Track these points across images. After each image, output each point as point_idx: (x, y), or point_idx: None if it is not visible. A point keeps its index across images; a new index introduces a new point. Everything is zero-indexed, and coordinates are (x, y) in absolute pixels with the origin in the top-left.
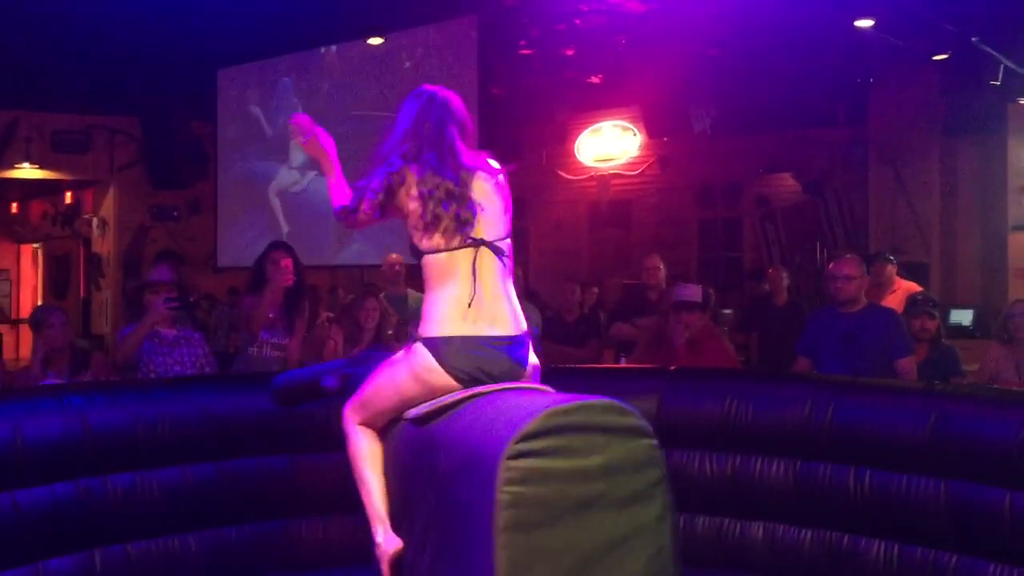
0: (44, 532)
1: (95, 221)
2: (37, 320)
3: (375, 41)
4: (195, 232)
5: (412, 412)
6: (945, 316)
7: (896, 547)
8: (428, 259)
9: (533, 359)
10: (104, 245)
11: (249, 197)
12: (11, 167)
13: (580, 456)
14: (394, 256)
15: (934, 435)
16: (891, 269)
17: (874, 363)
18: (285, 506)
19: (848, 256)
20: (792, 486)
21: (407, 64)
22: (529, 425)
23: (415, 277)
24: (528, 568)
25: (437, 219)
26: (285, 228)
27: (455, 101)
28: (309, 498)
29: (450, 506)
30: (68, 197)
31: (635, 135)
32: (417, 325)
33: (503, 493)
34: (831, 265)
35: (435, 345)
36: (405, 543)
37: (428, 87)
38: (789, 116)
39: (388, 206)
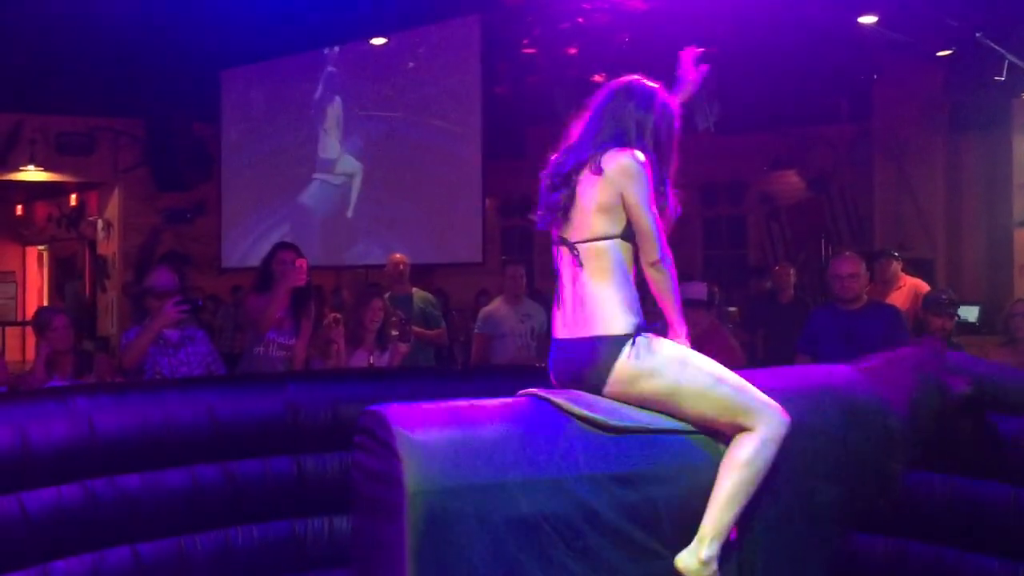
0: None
1: (100, 223)
2: (40, 322)
3: (378, 41)
4: (200, 233)
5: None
6: None
7: (897, 543)
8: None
9: None
10: (109, 247)
11: (253, 199)
12: (16, 169)
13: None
14: (398, 256)
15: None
16: (896, 265)
17: None
18: (291, 507)
19: (847, 254)
20: None
21: (410, 64)
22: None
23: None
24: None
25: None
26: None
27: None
28: (315, 499)
29: None
30: (73, 199)
31: None
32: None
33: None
34: (832, 263)
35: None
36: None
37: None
38: (793, 113)
39: None
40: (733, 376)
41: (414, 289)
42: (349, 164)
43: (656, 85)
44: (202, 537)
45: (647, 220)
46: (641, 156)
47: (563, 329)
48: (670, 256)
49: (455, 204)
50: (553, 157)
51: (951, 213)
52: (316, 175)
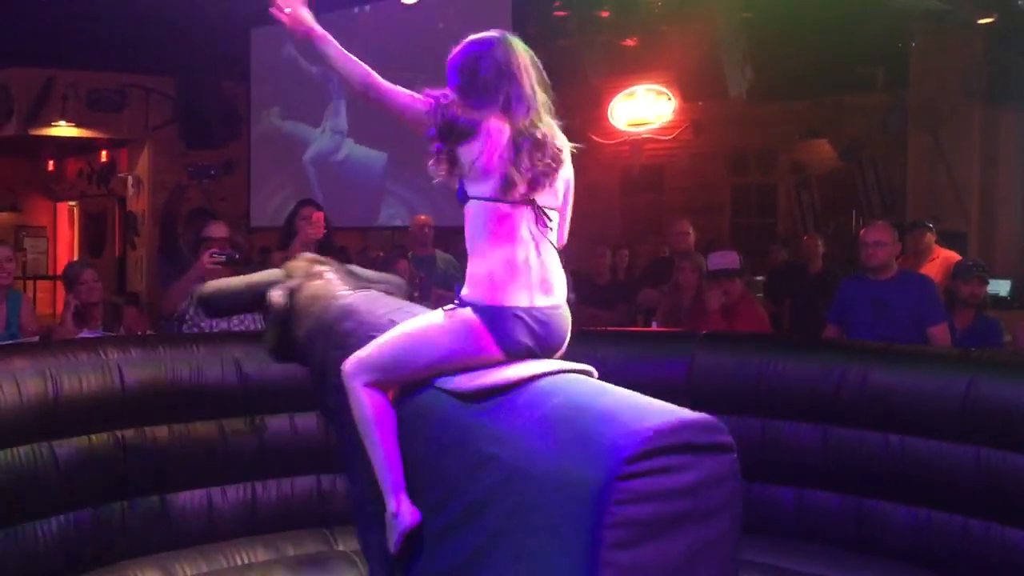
0: (81, 482)
1: (130, 180)
2: (69, 276)
3: (409, 0)
4: (228, 192)
5: (455, 384)
6: None
7: (927, 513)
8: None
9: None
10: (139, 203)
11: (282, 157)
12: (48, 125)
13: (676, 474)
14: (422, 218)
15: (967, 402)
16: (930, 237)
17: (905, 330)
18: (316, 462)
19: (878, 222)
20: (822, 451)
21: (440, 25)
22: (641, 448)
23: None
24: None
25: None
26: (319, 196)
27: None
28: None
29: (527, 503)
30: (104, 156)
31: (669, 99)
32: (460, 287)
33: (612, 513)
34: (861, 231)
35: (491, 315)
36: (428, 516)
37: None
38: (826, 81)
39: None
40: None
41: (437, 251)
42: (377, 126)
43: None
44: (230, 489)
45: None
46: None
47: (557, 293)
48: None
49: None
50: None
51: (986, 185)
52: (344, 136)
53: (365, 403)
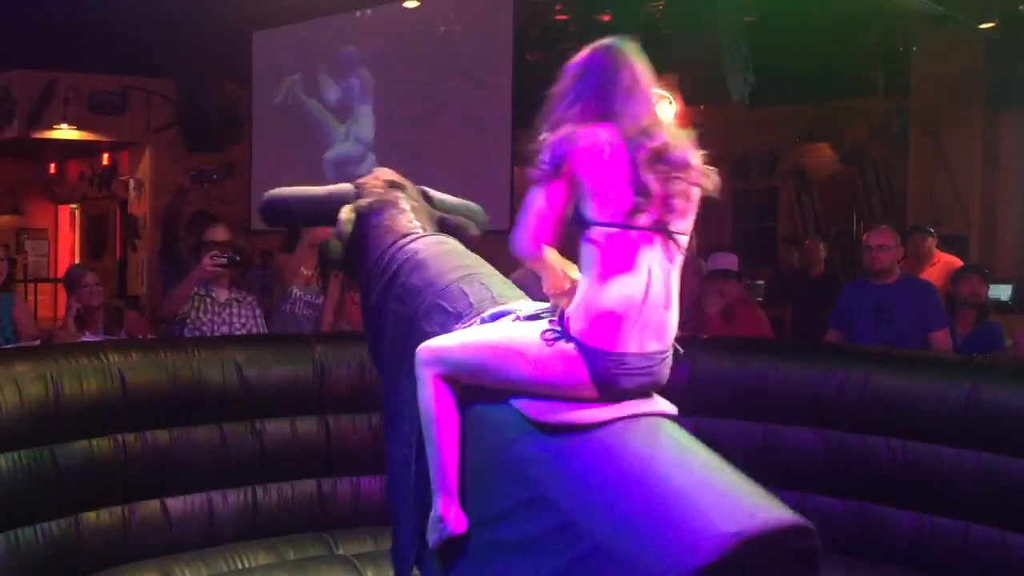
0: (82, 486)
1: (132, 183)
2: (71, 279)
3: (411, 4)
4: (229, 195)
5: (532, 411)
6: None
7: (929, 519)
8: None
9: None
10: (140, 206)
11: (284, 160)
12: (49, 128)
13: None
14: None
15: (969, 407)
16: (931, 242)
17: (907, 335)
18: (317, 466)
19: (881, 226)
20: (823, 456)
21: (442, 29)
22: (716, 557)
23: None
24: None
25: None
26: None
27: None
28: (340, 459)
29: (570, 566)
30: (105, 158)
31: (671, 103)
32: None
33: None
34: (864, 235)
35: (595, 358)
36: (476, 524)
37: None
38: (828, 85)
39: None
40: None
41: None
42: (378, 128)
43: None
44: (231, 493)
45: None
46: (571, 135)
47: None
48: (530, 254)
49: (483, 171)
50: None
51: (987, 189)
52: (346, 139)
53: (434, 397)
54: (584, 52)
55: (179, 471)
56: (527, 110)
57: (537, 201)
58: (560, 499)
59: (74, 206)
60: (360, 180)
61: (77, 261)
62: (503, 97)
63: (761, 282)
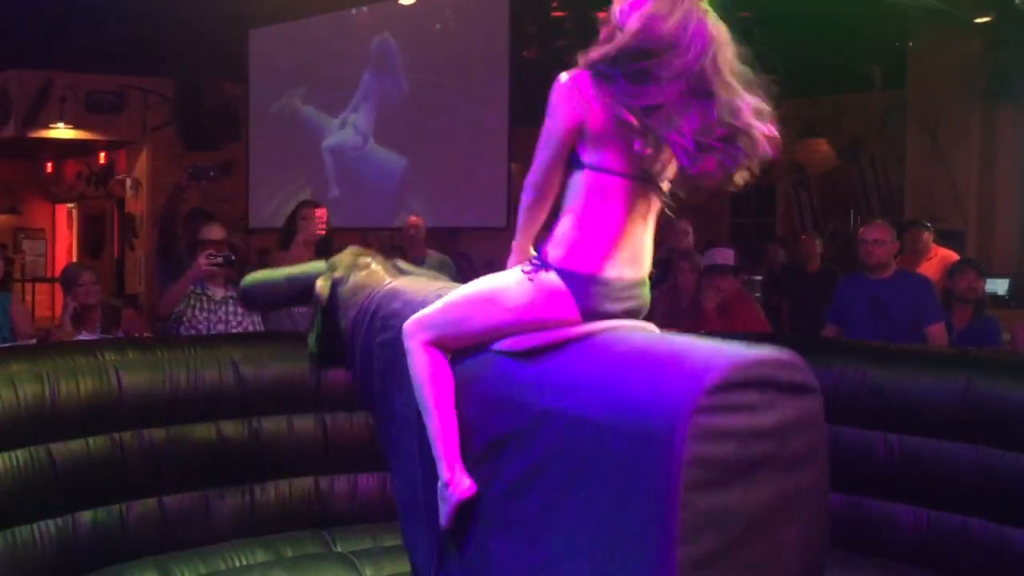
0: (79, 485)
1: (128, 181)
2: (68, 278)
3: (407, 1)
4: (226, 193)
5: (509, 344)
6: None
7: (926, 513)
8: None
9: None
10: (137, 205)
11: (281, 159)
12: (46, 127)
13: (757, 413)
14: (413, 219)
15: (966, 401)
16: (927, 236)
17: (904, 330)
18: (315, 464)
19: (877, 221)
20: None
21: (437, 26)
22: (719, 379)
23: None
24: (701, 532)
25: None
26: (333, 186)
27: None
28: (337, 456)
29: (585, 458)
30: (102, 157)
31: None
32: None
33: (690, 451)
34: (860, 230)
35: (578, 282)
36: (483, 484)
37: None
38: (825, 81)
39: None
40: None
41: (429, 252)
42: (375, 126)
43: None
44: (227, 492)
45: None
46: (565, 76)
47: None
48: (537, 188)
49: (480, 168)
50: None
51: (984, 184)
52: (343, 137)
53: (424, 361)
54: None
55: (176, 469)
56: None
57: (546, 137)
58: (558, 406)
59: (71, 205)
60: (332, 258)
61: (74, 260)
62: (500, 94)
63: (759, 277)
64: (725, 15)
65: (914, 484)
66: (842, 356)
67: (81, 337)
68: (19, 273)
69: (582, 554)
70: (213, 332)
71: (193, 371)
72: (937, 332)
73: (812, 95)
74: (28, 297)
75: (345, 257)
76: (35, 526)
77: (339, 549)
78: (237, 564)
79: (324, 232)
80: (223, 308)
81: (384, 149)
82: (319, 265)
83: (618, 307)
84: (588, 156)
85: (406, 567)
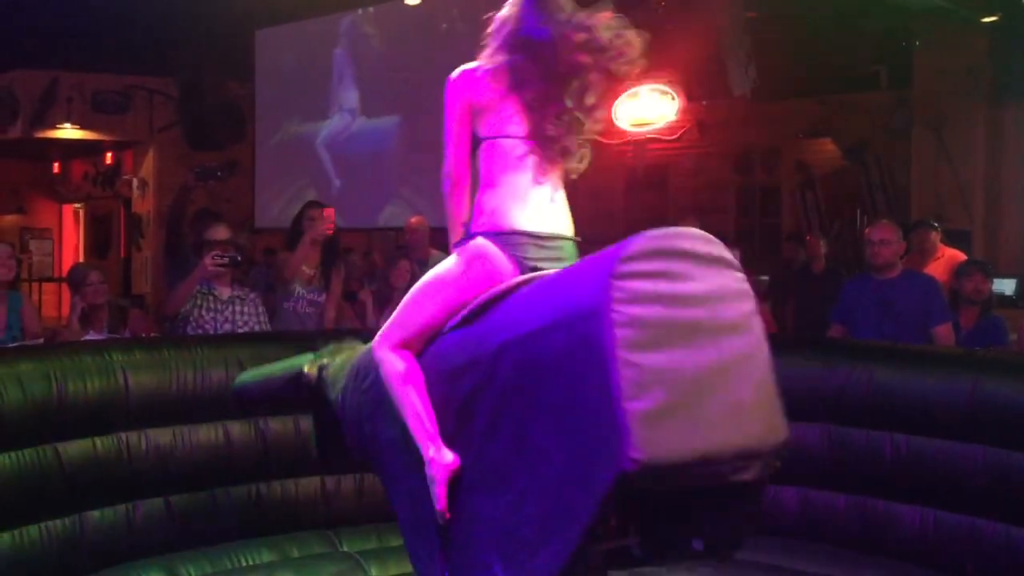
0: (86, 484)
1: (135, 182)
2: (75, 278)
3: (412, 2)
4: (232, 193)
5: (456, 318)
6: None
7: (932, 514)
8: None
9: None
10: (144, 205)
11: (287, 159)
12: (52, 127)
13: (679, 280)
14: (414, 220)
15: (973, 402)
16: (935, 236)
17: (910, 330)
18: (320, 464)
19: (883, 221)
20: (827, 451)
21: (444, 26)
22: (632, 248)
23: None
24: (646, 388)
25: None
26: (334, 181)
27: None
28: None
29: (539, 365)
30: (108, 158)
31: (673, 99)
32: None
33: (618, 312)
34: (866, 230)
35: (503, 238)
36: (462, 452)
37: None
38: (830, 80)
39: None
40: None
41: (433, 252)
42: (380, 126)
43: None
44: (233, 491)
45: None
46: (454, 74)
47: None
48: (449, 175)
49: None
50: None
51: (991, 184)
52: (348, 137)
53: (390, 362)
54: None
55: (182, 469)
56: None
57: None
58: (502, 339)
59: (78, 205)
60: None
61: (81, 260)
62: None
63: (765, 277)
64: (732, 16)
65: (921, 485)
66: (849, 356)
67: (88, 337)
68: (26, 273)
69: (548, 457)
70: (220, 332)
71: (200, 371)
72: (944, 332)
73: (817, 95)
74: (35, 297)
75: (329, 347)
76: (42, 525)
77: (345, 549)
78: (243, 564)
79: (331, 231)
80: (230, 308)
81: (390, 151)
82: (305, 356)
83: (546, 255)
84: (483, 130)
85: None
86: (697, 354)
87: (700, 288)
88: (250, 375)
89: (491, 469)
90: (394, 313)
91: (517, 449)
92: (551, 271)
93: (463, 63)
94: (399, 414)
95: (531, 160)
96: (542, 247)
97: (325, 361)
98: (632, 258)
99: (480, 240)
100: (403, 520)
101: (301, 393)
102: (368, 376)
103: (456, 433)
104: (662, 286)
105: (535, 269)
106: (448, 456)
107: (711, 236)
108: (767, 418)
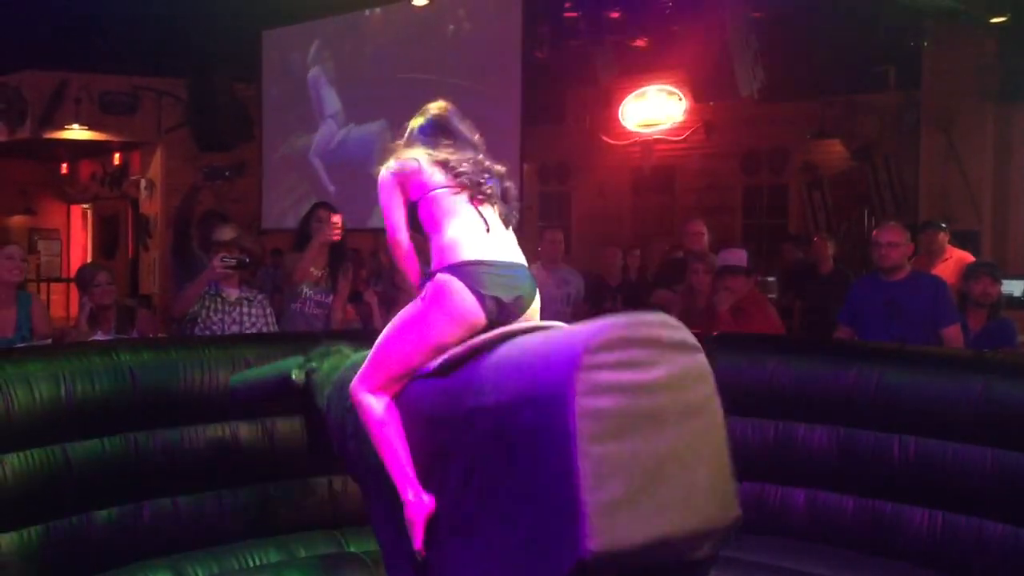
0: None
1: (143, 182)
2: (83, 279)
3: (420, 2)
4: (239, 194)
5: (432, 365)
6: None
7: (940, 515)
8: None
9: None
10: (152, 206)
11: (294, 159)
12: (61, 128)
13: (643, 369)
14: None
15: (982, 404)
16: (943, 237)
17: (918, 331)
18: (327, 464)
19: (891, 223)
20: (835, 453)
21: (451, 27)
22: (598, 339)
23: None
24: (605, 479)
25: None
26: (331, 187)
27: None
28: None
29: (508, 436)
30: (116, 158)
31: (680, 100)
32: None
33: (580, 404)
34: (874, 232)
35: (459, 271)
36: (437, 496)
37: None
38: (838, 81)
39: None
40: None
41: None
42: (387, 127)
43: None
44: (240, 491)
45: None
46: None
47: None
48: (395, 243)
49: None
50: None
51: (999, 184)
52: (355, 138)
53: (368, 407)
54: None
55: (190, 469)
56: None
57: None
58: (482, 401)
59: (86, 206)
60: (309, 353)
61: (89, 261)
62: (512, 95)
63: (771, 278)
64: (739, 17)
65: (929, 487)
66: (857, 358)
67: (96, 337)
68: (34, 273)
69: (514, 524)
70: (227, 333)
71: (207, 371)
72: (953, 334)
73: (825, 95)
74: (43, 297)
75: (319, 350)
76: (50, 525)
77: (352, 550)
78: (250, 564)
79: (339, 238)
80: (237, 309)
81: (369, 123)
82: (295, 359)
83: (509, 296)
84: (415, 193)
85: None
86: (657, 440)
87: (663, 373)
88: (242, 376)
89: (464, 518)
90: (369, 355)
91: (487, 507)
92: (521, 325)
93: (466, 63)
94: (379, 454)
95: (462, 201)
96: (498, 275)
97: (314, 365)
98: (599, 349)
99: (440, 276)
100: (387, 547)
101: (291, 395)
102: (349, 396)
103: (433, 475)
104: (626, 376)
105: (496, 300)
106: (424, 499)
107: (676, 321)
108: (721, 498)
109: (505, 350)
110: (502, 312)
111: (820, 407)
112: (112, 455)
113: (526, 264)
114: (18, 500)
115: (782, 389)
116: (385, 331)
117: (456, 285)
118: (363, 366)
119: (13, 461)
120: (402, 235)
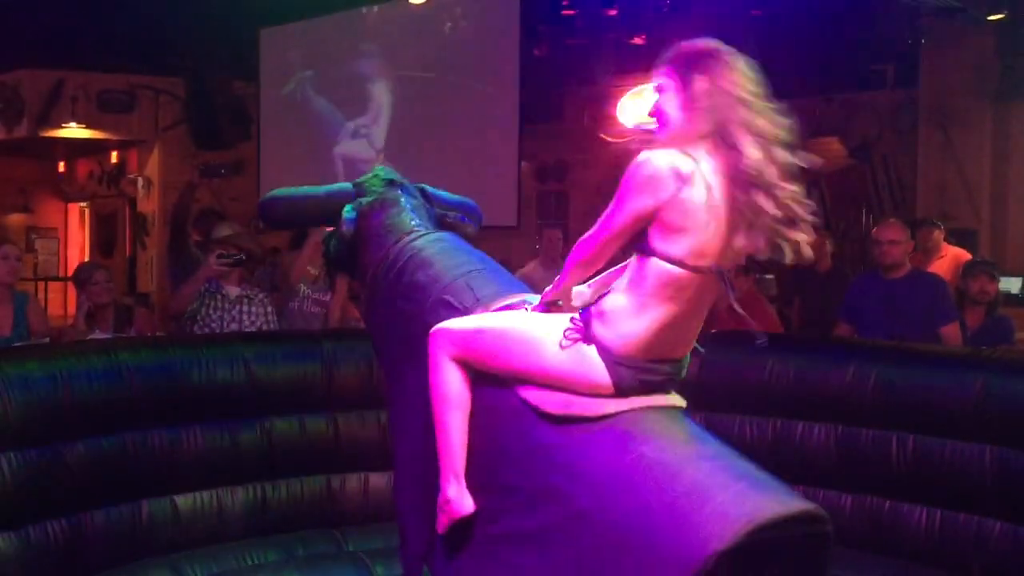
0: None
1: (140, 181)
2: (81, 277)
3: (417, 1)
4: (238, 192)
5: (540, 402)
6: None
7: (939, 513)
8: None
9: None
10: (149, 204)
11: (292, 157)
12: (58, 126)
13: (761, 564)
14: None
15: (980, 401)
16: (938, 235)
17: (917, 329)
18: (326, 463)
19: (891, 220)
20: (834, 451)
21: (448, 24)
22: (727, 545)
23: None
24: None
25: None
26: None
27: None
28: (348, 455)
29: (589, 554)
30: (114, 157)
31: None
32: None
33: None
34: (875, 230)
35: (617, 362)
36: (479, 513)
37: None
38: (837, 79)
39: None
40: None
41: None
42: (385, 126)
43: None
44: (238, 491)
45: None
46: (661, 162)
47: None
48: (585, 252)
49: (490, 167)
50: None
51: (997, 182)
52: (353, 136)
53: (448, 379)
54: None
55: (188, 468)
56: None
57: (616, 220)
58: (570, 490)
59: (83, 204)
60: (360, 180)
61: (87, 259)
62: (510, 92)
63: (770, 276)
64: (737, 15)
65: (928, 484)
66: (856, 355)
67: (94, 336)
68: (32, 272)
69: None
70: (226, 331)
71: (206, 370)
72: (951, 332)
73: (824, 94)
74: (40, 296)
75: (374, 183)
76: (47, 525)
77: (351, 548)
78: (249, 563)
79: None
80: (237, 307)
81: (394, 149)
82: (345, 186)
83: (651, 379)
84: (660, 244)
85: None
86: None
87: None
88: (284, 192)
89: (506, 564)
90: (472, 326)
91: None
92: (646, 413)
93: (464, 62)
94: (436, 426)
95: (700, 293)
96: (654, 373)
97: (366, 208)
98: (722, 557)
99: (593, 352)
100: (400, 465)
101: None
102: (408, 300)
103: (479, 491)
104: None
105: (634, 391)
106: (468, 503)
107: (823, 516)
108: None
109: (618, 447)
110: (635, 393)
111: (818, 405)
112: (110, 454)
113: (692, 343)
114: (16, 500)
115: (780, 387)
116: (507, 321)
117: (598, 369)
118: (460, 326)
119: (10, 460)
120: (605, 254)
